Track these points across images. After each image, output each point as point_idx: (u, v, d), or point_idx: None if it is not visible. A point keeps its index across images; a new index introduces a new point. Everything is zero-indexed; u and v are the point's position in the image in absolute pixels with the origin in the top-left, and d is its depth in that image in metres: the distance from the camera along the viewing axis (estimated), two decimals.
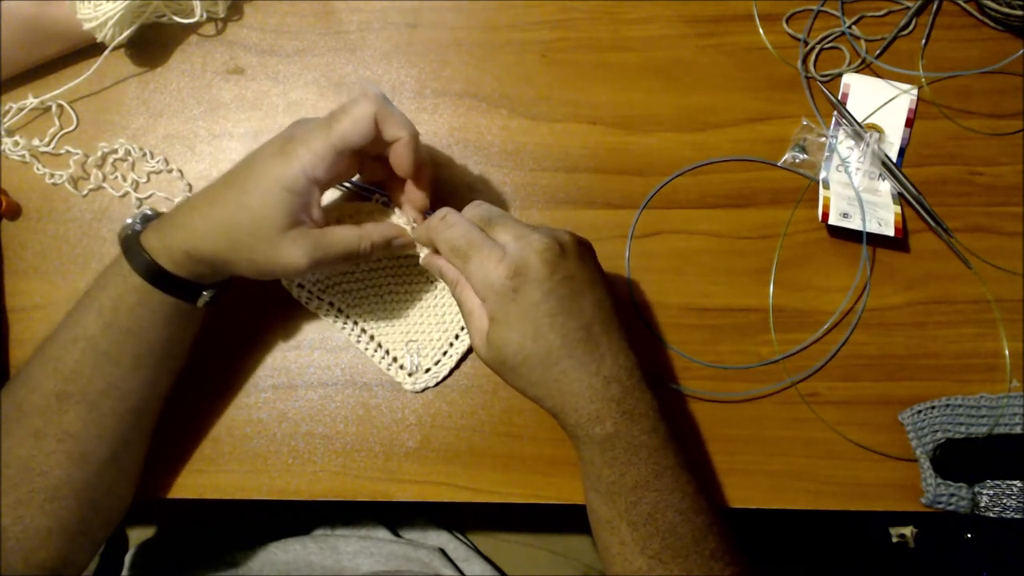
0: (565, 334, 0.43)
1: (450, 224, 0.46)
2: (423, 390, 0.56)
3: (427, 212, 0.51)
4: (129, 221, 0.49)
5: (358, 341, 0.56)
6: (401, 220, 0.52)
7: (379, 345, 0.56)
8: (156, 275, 0.46)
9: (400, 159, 0.48)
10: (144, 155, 0.59)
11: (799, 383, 0.55)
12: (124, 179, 0.59)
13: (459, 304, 0.47)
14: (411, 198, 0.50)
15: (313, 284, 0.56)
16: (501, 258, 0.43)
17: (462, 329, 0.56)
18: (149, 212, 0.50)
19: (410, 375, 0.55)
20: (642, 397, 0.45)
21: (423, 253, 0.51)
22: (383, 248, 0.49)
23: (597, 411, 0.44)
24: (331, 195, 0.56)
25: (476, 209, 0.47)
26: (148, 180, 0.59)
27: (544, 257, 0.43)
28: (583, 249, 0.46)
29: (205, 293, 0.48)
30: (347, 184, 0.56)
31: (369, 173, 0.52)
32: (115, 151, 0.59)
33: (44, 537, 0.46)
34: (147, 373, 0.48)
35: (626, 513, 0.45)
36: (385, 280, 0.56)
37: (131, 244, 0.46)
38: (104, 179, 0.59)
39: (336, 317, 0.56)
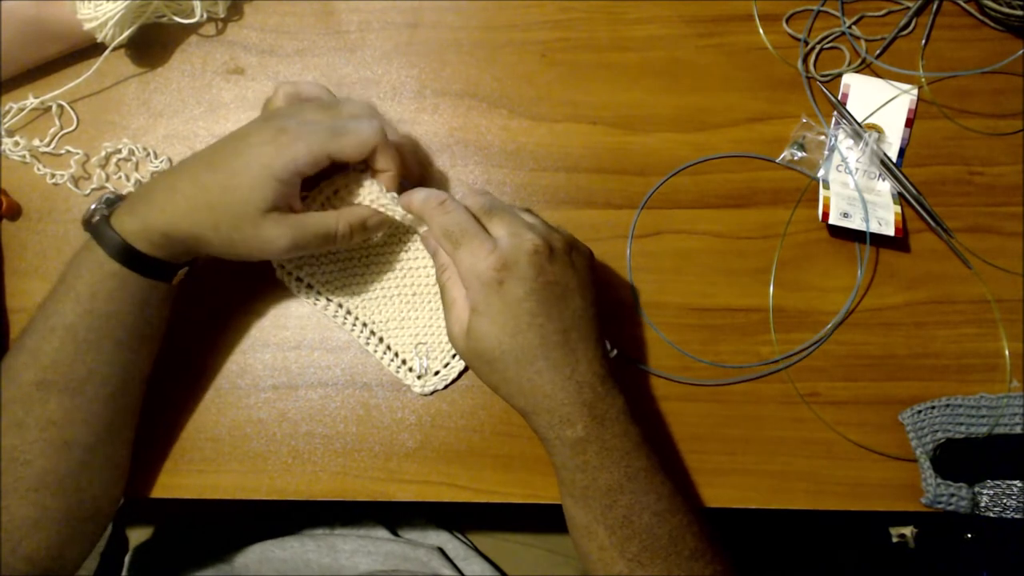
0: (543, 335, 0.44)
1: (447, 210, 0.47)
2: (432, 393, 0.56)
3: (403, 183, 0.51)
4: (94, 207, 0.48)
5: (367, 343, 0.56)
6: (375, 189, 0.51)
7: (388, 347, 0.56)
8: (133, 258, 0.46)
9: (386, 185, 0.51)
10: (148, 155, 0.59)
11: (797, 377, 0.55)
12: (128, 179, 0.59)
13: (442, 292, 0.48)
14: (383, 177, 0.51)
15: (322, 285, 0.56)
16: (491, 249, 0.44)
17: None
18: (111, 196, 0.50)
19: (419, 378, 0.55)
20: (614, 402, 0.46)
21: (405, 217, 0.51)
22: (360, 229, 0.50)
23: (569, 414, 0.44)
24: None
25: (479, 197, 0.48)
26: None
27: (532, 258, 0.44)
28: (577, 255, 0.47)
29: (180, 271, 0.49)
30: None
31: None
32: (119, 151, 0.59)
33: (30, 528, 0.46)
34: (127, 356, 0.48)
35: (602, 517, 0.45)
36: (394, 282, 0.56)
37: (102, 229, 0.46)
38: (108, 179, 0.59)
39: (345, 319, 0.56)
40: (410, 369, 0.56)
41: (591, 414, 0.44)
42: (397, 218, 0.51)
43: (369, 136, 0.47)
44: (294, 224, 0.47)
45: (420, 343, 0.56)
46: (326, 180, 0.53)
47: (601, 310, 0.48)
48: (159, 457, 0.54)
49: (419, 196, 0.48)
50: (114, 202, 0.48)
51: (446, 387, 0.56)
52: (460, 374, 0.56)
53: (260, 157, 0.45)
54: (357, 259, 0.56)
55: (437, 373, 0.55)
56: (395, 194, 0.51)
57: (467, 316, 0.45)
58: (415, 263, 0.56)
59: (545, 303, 0.44)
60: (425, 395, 0.55)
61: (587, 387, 0.45)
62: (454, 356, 0.56)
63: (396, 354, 0.56)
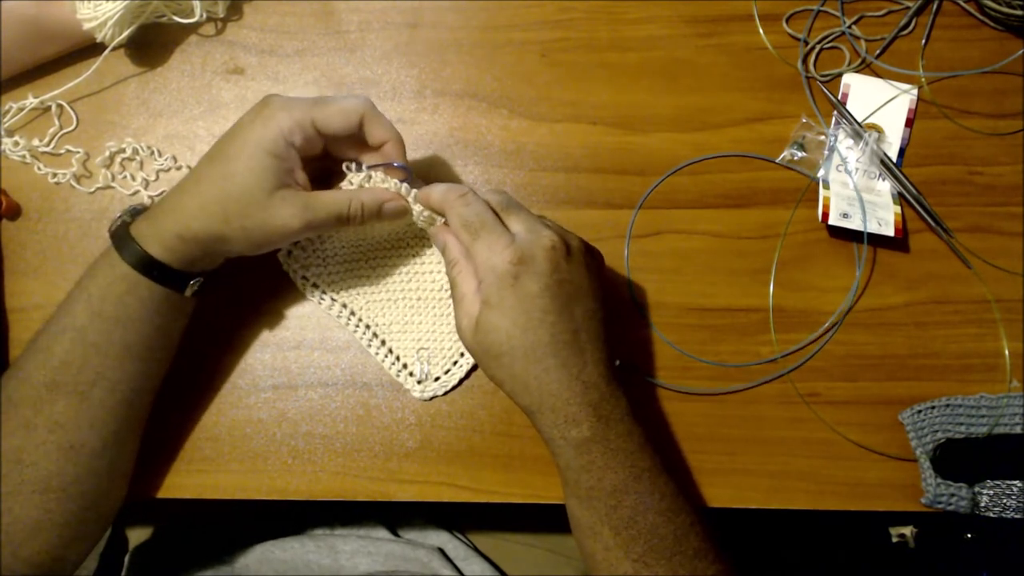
0: (554, 333, 0.44)
1: (468, 202, 0.47)
2: (431, 399, 0.56)
3: (403, 168, 0.51)
4: (119, 215, 0.49)
5: (369, 345, 0.56)
6: (385, 179, 0.51)
7: (390, 350, 0.56)
8: (145, 263, 0.46)
9: (391, 159, 0.50)
10: (152, 154, 0.59)
11: (797, 377, 0.55)
12: (133, 178, 0.59)
13: (452, 286, 0.48)
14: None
15: (328, 285, 0.56)
16: (509, 243, 0.45)
17: None
18: (138, 206, 0.50)
19: (419, 383, 0.55)
20: (618, 403, 0.46)
21: (419, 215, 0.50)
22: (374, 211, 0.50)
23: (574, 414, 0.44)
24: None
25: (497, 195, 0.48)
26: (157, 179, 0.59)
27: (549, 254, 0.44)
28: (590, 258, 0.48)
29: (193, 282, 0.48)
30: None
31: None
32: (123, 150, 0.59)
33: (33, 530, 0.46)
34: (136, 364, 0.48)
35: (607, 518, 0.45)
36: (399, 286, 0.56)
37: (121, 235, 0.47)
38: (113, 178, 0.59)
39: (348, 320, 0.56)
40: (411, 374, 0.56)
41: (596, 414, 0.44)
42: (413, 213, 0.51)
43: (353, 104, 0.48)
44: (304, 202, 0.47)
45: (422, 348, 0.56)
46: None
47: (606, 314, 0.48)
48: (159, 457, 0.54)
49: (439, 188, 0.49)
50: (139, 212, 0.49)
51: (445, 393, 0.56)
52: (460, 381, 0.56)
53: (249, 136, 0.46)
54: (364, 261, 0.56)
55: (437, 379, 0.55)
56: (416, 191, 0.50)
57: (477, 310, 0.45)
58: (422, 267, 0.56)
59: (558, 300, 0.44)
60: (425, 400, 0.55)
61: (593, 388, 0.45)
62: (455, 363, 0.56)
63: (398, 358, 0.56)
